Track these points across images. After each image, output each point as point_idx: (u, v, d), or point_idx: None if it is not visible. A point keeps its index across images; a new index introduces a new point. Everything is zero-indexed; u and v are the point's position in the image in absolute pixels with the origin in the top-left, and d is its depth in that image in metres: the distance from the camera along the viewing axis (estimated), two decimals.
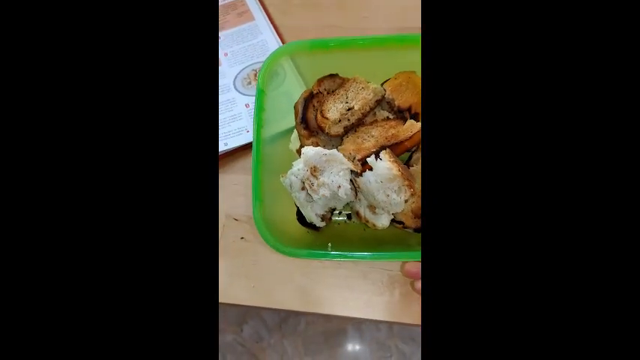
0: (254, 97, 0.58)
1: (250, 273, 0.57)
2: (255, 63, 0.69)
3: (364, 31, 0.71)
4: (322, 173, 0.47)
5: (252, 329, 1.23)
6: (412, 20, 0.71)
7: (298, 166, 0.48)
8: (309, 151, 0.47)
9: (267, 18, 0.73)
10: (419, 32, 0.68)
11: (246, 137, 0.63)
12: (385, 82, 0.56)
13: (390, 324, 1.29)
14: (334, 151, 0.47)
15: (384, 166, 0.45)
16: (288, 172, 0.49)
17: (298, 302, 0.56)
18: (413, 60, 0.54)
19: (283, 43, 0.69)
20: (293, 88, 0.57)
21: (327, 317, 0.56)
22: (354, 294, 0.55)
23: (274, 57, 0.57)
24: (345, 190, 0.46)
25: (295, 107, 0.55)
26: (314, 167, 0.47)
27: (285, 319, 1.21)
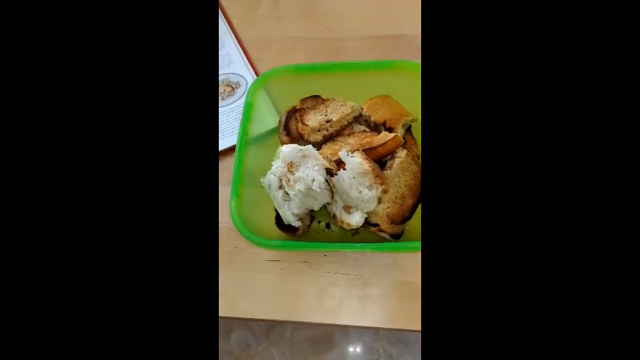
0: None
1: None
2: (219, 75, 0.71)
3: (328, 41, 0.73)
4: (298, 168, 0.49)
5: (239, 337, 1.22)
6: (375, 29, 0.74)
7: (277, 164, 0.51)
8: (285, 148, 0.50)
9: (230, 31, 0.75)
10: (383, 40, 0.72)
11: None
12: None
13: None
14: (309, 146, 0.50)
15: (356, 160, 0.48)
16: (268, 172, 0.52)
17: (264, 311, 0.55)
18: (387, 84, 0.60)
19: (246, 55, 0.71)
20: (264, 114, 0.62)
21: (299, 323, 0.56)
22: (321, 300, 0.55)
23: (258, 84, 0.62)
24: (318, 183, 0.48)
25: (279, 119, 0.60)
26: (290, 163, 0.50)
27: (272, 327, 1.21)
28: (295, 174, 0.49)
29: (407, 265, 0.55)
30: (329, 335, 1.30)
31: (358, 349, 1.29)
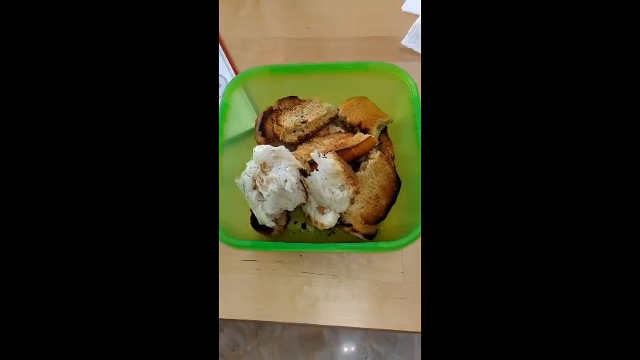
0: None
1: None
2: None
3: (309, 42, 0.74)
4: (271, 169, 0.50)
5: (227, 337, 1.22)
6: (357, 31, 0.75)
7: (250, 164, 0.51)
8: (258, 148, 0.50)
9: None
10: (364, 42, 0.72)
11: None
12: None
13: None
14: (282, 147, 0.50)
15: (328, 162, 0.48)
16: (242, 173, 0.52)
17: (239, 310, 0.55)
18: (363, 85, 0.60)
19: (227, 55, 0.71)
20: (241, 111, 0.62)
21: (273, 323, 0.56)
22: (295, 299, 0.55)
23: (238, 81, 0.61)
24: (291, 183, 0.48)
25: (256, 120, 0.60)
26: (264, 164, 0.50)
27: (262, 326, 1.21)
28: (268, 174, 0.50)
29: (380, 265, 0.56)
30: (318, 334, 1.30)
31: (347, 349, 1.30)
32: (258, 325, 1.32)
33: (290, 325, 1.28)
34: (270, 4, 0.80)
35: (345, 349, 1.30)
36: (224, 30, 0.76)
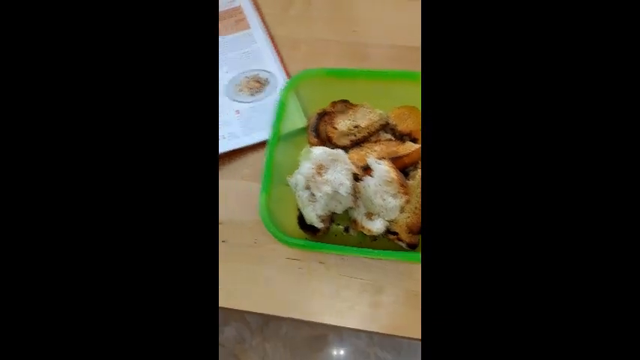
0: (245, 105, 0.67)
1: (226, 276, 0.56)
2: (248, 71, 0.72)
3: (354, 46, 0.74)
4: (327, 171, 0.51)
5: (234, 330, 1.22)
6: (401, 39, 0.75)
7: (306, 165, 0.52)
8: (317, 150, 0.51)
9: (263, 27, 0.75)
10: (408, 51, 0.72)
11: (235, 143, 0.65)
12: None
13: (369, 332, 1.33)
14: (340, 150, 0.51)
15: (383, 169, 0.49)
16: (295, 172, 0.53)
17: (277, 306, 0.56)
18: (412, 94, 0.60)
19: (278, 53, 0.72)
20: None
21: (309, 323, 0.57)
22: (334, 301, 0.56)
23: (295, 81, 0.63)
24: (346, 187, 0.49)
25: (309, 120, 0.61)
26: (320, 165, 0.51)
27: (268, 322, 1.21)
28: (323, 176, 0.50)
29: (420, 276, 0.56)
30: (323, 336, 1.31)
31: (351, 353, 1.30)
32: (265, 322, 1.33)
33: (297, 324, 1.28)
34: (319, 5, 0.81)
35: (350, 354, 1.30)
36: (273, 28, 0.77)
